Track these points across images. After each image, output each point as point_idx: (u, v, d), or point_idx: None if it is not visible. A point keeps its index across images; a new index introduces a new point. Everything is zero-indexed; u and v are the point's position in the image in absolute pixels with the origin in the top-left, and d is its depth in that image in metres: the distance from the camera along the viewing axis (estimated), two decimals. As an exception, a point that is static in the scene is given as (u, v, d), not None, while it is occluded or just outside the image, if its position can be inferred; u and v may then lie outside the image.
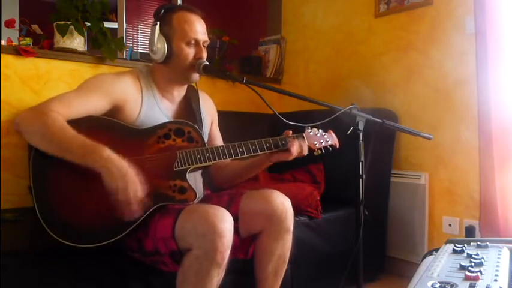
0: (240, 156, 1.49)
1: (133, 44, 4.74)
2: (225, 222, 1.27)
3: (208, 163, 1.44)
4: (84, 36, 2.18)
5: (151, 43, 1.50)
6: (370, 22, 2.62)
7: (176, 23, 1.49)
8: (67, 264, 1.33)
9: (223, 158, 1.46)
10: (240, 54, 3.14)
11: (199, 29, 1.51)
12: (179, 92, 1.60)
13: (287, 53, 3.14)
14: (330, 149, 1.61)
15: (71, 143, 1.27)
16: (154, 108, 1.52)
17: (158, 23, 1.49)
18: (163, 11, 1.51)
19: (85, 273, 1.34)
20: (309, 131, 1.59)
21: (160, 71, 1.55)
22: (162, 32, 1.48)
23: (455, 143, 2.24)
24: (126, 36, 4.07)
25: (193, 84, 1.65)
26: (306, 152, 1.54)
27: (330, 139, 1.61)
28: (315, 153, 1.58)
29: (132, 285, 1.40)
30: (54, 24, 2.13)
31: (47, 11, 2.19)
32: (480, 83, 2.01)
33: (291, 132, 1.53)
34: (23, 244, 1.46)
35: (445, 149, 2.27)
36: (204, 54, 1.52)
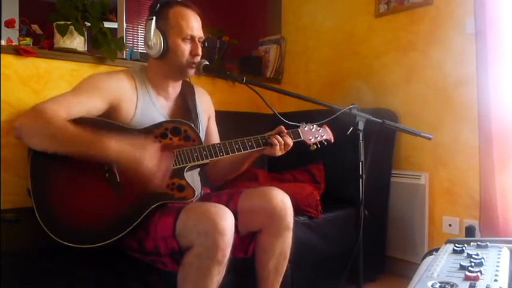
0: (236, 153, 1.50)
1: (133, 44, 4.74)
2: (227, 220, 1.28)
3: (205, 161, 1.46)
4: (84, 36, 2.18)
5: (147, 38, 1.49)
6: (370, 22, 2.62)
7: (172, 18, 1.49)
8: (67, 264, 1.33)
9: (220, 156, 1.47)
10: (240, 54, 3.14)
11: (195, 25, 1.51)
12: (174, 89, 1.60)
13: (287, 53, 3.14)
14: (326, 143, 1.64)
15: (75, 137, 1.26)
16: (150, 107, 1.52)
17: (154, 17, 1.48)
18: (159, 5, 1.49)
19: (85, 272, 1.34)
20: (304, 126, 1.61)
21: (155, 67, 1.54)
22: (157, 27, 1.48)
23: (455, 143, 2.24)
24: (126, 36, 4.07)
25: (189, 80, 1.65)
26: (290, 145, 1.55)
27: (325, 134, 1.65)
28: (310, 148, 1.61)
29: (131, 284, 1.40)
30: (54, 24, 2.13)
31: (47, 11, 2.19)
32: (480, 83, 2.01)
33: (282, 127, 1.55)
34: (23, 244, 1.45)
35: (445, 149, 2.27)
36: (200, 51, 1.52)
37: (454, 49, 2.24)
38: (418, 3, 2.38)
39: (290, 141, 1.55)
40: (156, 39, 1.47)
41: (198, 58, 1.52)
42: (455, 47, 2.23)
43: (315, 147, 1.61)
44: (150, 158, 1.28)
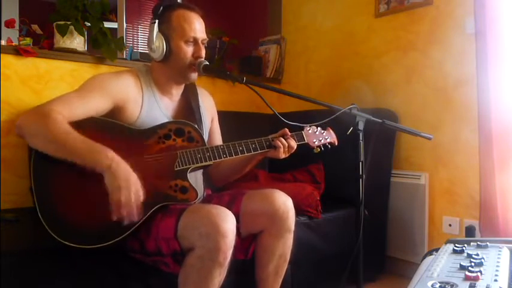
0: (240, 155, 1.49)
1: (133, 44, 4.74)
2: (228, 222, 1.28)
3: (208, 162, 1.45)
4: (84, 36, 2.18)
5: (150, 41, 1.49)
6: (370, 22, 2.62)
7: (175, 21, 1.49)
8: (68, 264, 1.33)
9: (224, 157, 1.46)
10: (240, 54, 3.14)
11: (198, 27, 1.50)
12: (177, 91, 1.60)
13: (287, 53, 3.14)
14: (329, 146, 1.63)
15: (74, 145, 1.26)
16: (154, 108, 1.52)
17: (157, 20, 1.49)
18: (161, 8, 1.50)
19: (85, 273, 1.34)
20: (308, 129, 1.61)
21: (159, 70, 1.54)
22: (160, 30, 1.48)
23: (455, 143, 2.24)
24: (126, 36, 4.07)
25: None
26: (294, 147, 1.54)
27: (329, 137, 1.64)
28: (314, 150, 1.60)
29: (132, 285, 1.40)
30: (54, 24, 2.13)
31: (47, 11, 2.19)
32: (480, 83, 2.01)
33: (287, 130, 1.55)
34: (23, 244, 1.45)
35: (445, 149, 2.27)
36: (203, 53, 1.52)
37: (454, 49, 2.24)
38: (418, 3, 2.38)
39: (294, 144, 1.54)
40: (159, 42, 1.47)
41: (202, 61, 1.51)
42: (455, 47, 2.23)
43: (319, 150, 1.61)
44: (136, 192, 1.26)
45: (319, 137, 1.61)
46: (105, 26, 2.21)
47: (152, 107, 1.51)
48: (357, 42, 2.70)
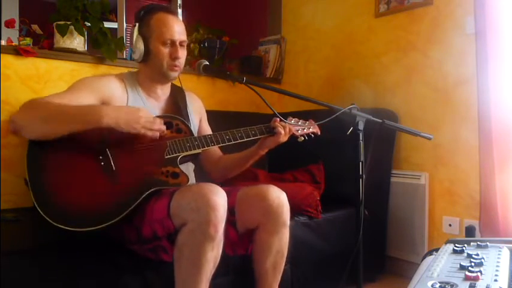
0: (227, 143, 1.55)
1: (133, 44, 4.73)
2: (219, 196, 1.30)
3: (197, 150, 1.52)
4: (84, 36, 2.18)
5: (132, 44, 1.59)
6: (370, 22, 2.62)
7: (154, 24, 1.57)
8: (67, 263, 1.34)
9: (211, 145, 1.54)
10: (240, 54, 3.14)
11: (176, 29, 1.57)
12: (163, 91, 1.68)
13: (287, 53, 3.14)
14: (313, 136, 1.71)
15: (71, 112, 1.34)
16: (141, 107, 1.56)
17: (137, 24, 1.58)
18: (142, 12, 1.59)
19: (85, 270, 1.35)
20: (291, 119, 1.68)
21: (142, 71, 1.64)
22: (140, 32, 1.57)
23: (455, 143, 2.24)
24: (126, 36, 4.06)
25: (179, 84, 1.71)
26: (293, 130, 1.64)
27: (312, 127, 1.72)
28: (298, 139, 1.68)
29: (131, 279, 1.41)
30: (54, 24, 2.13)
31: (47, 11, 2.19)
32: (480, 83, 2.01)
33: (278, 119, 1.61)
34: (23, 244, 1.45)
35: (445, 149, 2.27)
36: (180, 54, 1.58)
37: (454, 49, 2.24)
38: (418, 3, 2.38)
39: (292, 127, 1.63)
40: (138, 44, 1.57)
41: (180, 61, 1.59)
42: (455, 47, 2.23)
43: (303, 139, 1.68)
44: (145, 112, 1.41)
45: (302, 126, 1.70)
46: (105, 26, 2.22)
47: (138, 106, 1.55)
48: (357, 42, 2.69)
